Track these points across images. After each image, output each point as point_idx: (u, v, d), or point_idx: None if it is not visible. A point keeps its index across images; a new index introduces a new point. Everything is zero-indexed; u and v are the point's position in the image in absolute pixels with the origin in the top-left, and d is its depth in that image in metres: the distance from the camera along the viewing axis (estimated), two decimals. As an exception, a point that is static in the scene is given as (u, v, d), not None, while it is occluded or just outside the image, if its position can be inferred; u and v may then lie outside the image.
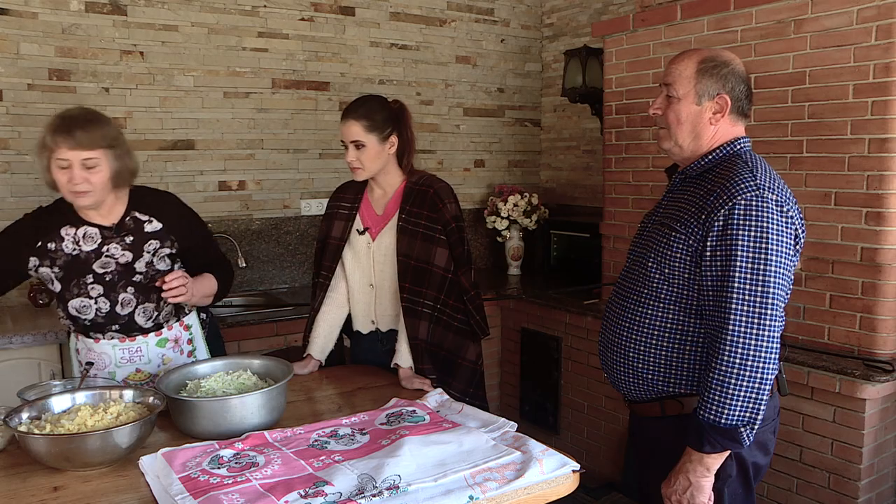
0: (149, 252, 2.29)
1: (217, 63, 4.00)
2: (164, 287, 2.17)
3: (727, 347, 1.66)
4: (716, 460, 1.73)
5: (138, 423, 1.68)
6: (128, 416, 1.78)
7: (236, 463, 1.62)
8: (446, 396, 2.09)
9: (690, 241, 1.75)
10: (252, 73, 4.10)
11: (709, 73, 1.81)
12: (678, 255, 1.77)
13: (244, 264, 3.98)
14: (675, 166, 1.97)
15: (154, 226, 2.30)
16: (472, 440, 1.72)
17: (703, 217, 1.74)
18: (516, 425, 1.86)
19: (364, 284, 2.53)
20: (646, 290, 1.84)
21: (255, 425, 1.85)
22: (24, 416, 1.77)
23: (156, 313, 2.31)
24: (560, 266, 4.47)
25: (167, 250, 2.32)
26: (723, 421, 1.66)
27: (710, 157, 1.84)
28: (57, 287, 2.22)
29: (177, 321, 2.38)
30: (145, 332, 2.30)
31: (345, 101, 4.34)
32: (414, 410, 1.95)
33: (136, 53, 3.80)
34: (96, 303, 2.23)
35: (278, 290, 4.20)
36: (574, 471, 1.66)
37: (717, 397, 1.66)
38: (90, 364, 2.18)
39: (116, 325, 2.26)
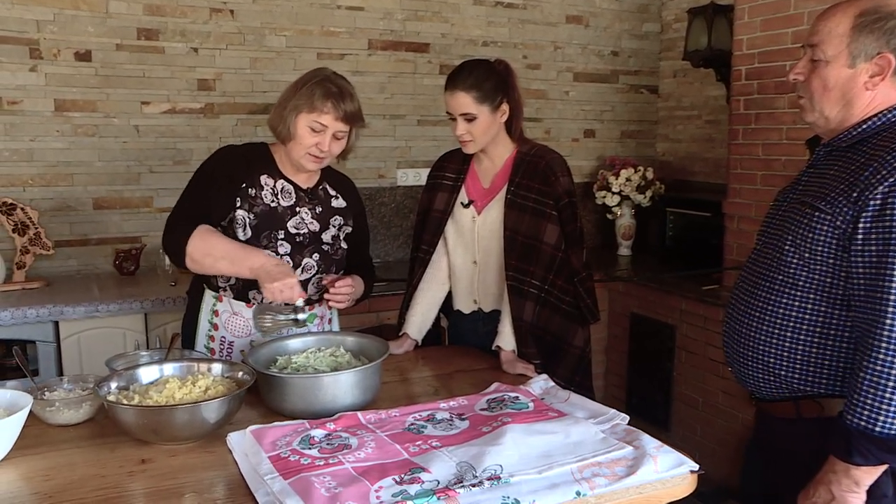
0: (334, 226, 2.38)
1: (310, 22, 4.06)
2: (331, 290, 2.28)
3: (883, 344, 1.54)
4: (867, 474, 1.61)
5: (227, 398, 1.73)
6: (216, 390, 1.83)
7: (328, 444, 1.65)
8: (552, 383, 2.08)
9: (838, 223, 1.64)
10: (347, 33, 4.14)
11: (868, 29, 1.66)
12: (822, 238, 1.67)
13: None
14: (818, 137, 1.87)
15: (340, 202, 2.41)
16: (579, 431, 1.70)
17: (855, 195, 1.62)
18: (628, 418, 1.83)
19: (467, 261, 2.53)
20: (780, 277, 1.75)
21: (348, 405, 1.87)
22: (113, 385, 1.85)
23: (324, 286, 2.37)
24: (676, 247, 4.37)
25: (348, 229, 2.42)
26: (877, 429, 1.55)
27: (863, 126, 1.71)
28: (246, 234, 2.25)
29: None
30: (303, 303, 2.35)
31: (445, 65, 4.34)
32: (517, 397, 1.94)
33: (225, 12, 3.89)
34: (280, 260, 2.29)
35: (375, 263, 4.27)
36: (692, 471, 1.62)
37: (869, 401, 1.56)
38: (177, 335, 2.26)
39: None
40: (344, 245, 2.41)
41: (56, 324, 3.13)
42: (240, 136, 3.94)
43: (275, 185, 2.30)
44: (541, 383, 2.07)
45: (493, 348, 2.42)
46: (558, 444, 1.64)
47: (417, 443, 1.66)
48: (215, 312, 2.37)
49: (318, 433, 1.71)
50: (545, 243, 2.37)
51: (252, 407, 1.95)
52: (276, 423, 1.78)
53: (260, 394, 1.95)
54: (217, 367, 1.95)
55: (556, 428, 1.71)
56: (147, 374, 1.92)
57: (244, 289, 2.31)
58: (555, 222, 2.37)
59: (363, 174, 4.29)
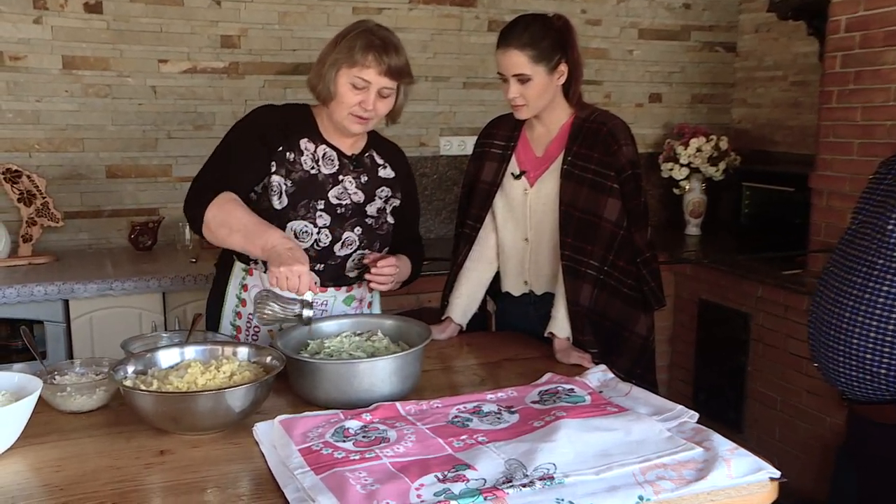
0: (380, 198, 2.40)
1: (346, -29, 4.06)
2: (373, 270, 2.29)
3: None
4: None
5: (254, 384, 1.75)
6: (242, 376, 1.85)
7: (364, 437, 1.67)
8: (611, 375, 2.08)
9: None
10: (386, -16, 4.14)
11: None
12: None
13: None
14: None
15: (388, 172, 2.43)
16: (642, 429, 1.70)
17: None
18: (697, 415, 1.82)
19: (517, 238, 2.54)
20: (881, 261, 1.72)
21: (386, 395, 1.89)
22: (130, 369, 1.87)
23: (366, 265, 2.40)
24: (752, 226, 4.33)
25: (396, 202, 2.44)
26: None
27: None
28: (282, 203, 2.27)
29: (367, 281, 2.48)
30: (341, 284, 2.39)
31: (494, 20, 4.33)
32: (572, 389, 1.95)
33: (254, -40, 3.91)
34: (319, 232, 2.31)
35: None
36: (772, 479, 1.60)
37: None
38: (199, 315, 2.29)
39: (322, 266, 2.33)
40: (390, 220, 2.43)
41: (66, 303, 3.19)
42: (267, 99, 3.96)
43: (315, 151, 2.32)
44: (598, 375, 2.07)
45: (546, 335, 2.42)
46: (618, 443, 1.64)
47: (462, 437, 1.68)
48: (244, 287, 2.39)
49: (353, 425, 1.72)
50: (605, 219, 2.36)
51: (281, 395, 1.97)
52: (307, 413, 1.80)
53: (290, 381, 1.97)
54: (243, 351, 1.97)
55: (616, 424, 1.70)
56: (167, 357, 1.95)
57: None
58: (616, 196, 2.36)
59: (402, 142, 4.25)
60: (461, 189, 2.70)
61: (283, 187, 2.27)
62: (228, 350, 1.97)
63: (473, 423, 1.77)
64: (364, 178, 2.37)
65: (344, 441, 1.64)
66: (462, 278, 2.60)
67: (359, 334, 2.13)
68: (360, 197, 2.35)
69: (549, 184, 2.44)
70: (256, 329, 2.38)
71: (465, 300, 2.59)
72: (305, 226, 2.28)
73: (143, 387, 1.78)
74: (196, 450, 1.69)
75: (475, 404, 1.88)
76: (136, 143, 3.85)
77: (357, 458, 1.56)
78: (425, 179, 4.36)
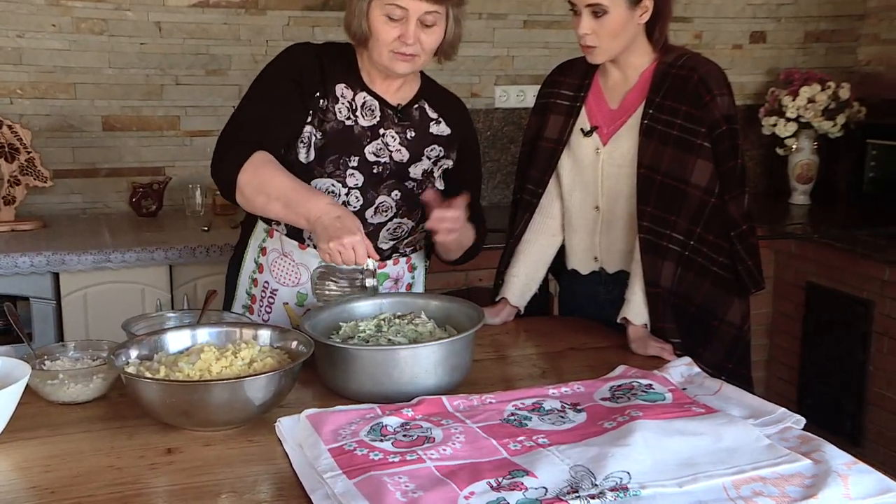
0: (429, 158, 2.43)
1: None
2: (437, 214, 2.23)
3: None
4: None
5: (277, 373, 1.76)
6: (264, 363, 1.87)
7: (405, 436, 1.68)
8: (697, 369, 2.08)
9: None
10: None
11: None
12: None
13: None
14: None
15: (442, 128, 2.45)
16: (735, 434, 1.69)
17: None
18: (803, 420, 1.82)
19: (587, 206, 2.54)
20: None
21: (430, 387, 1.91)
22: (133, 354, 1.91)
23: (406, 237, 2.43)
24: (878, 195, 4.27)
25: (448, 163, 2.46)
26: None
27: None
28: (309, 157, 2.32)
29: (405, 257, 2.51)
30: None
31: (563, -58, 4.30)
32: (650, 385, 1.95)
33: None
34: (349, 194, 2.34)
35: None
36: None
37: None
38: (213, 292, 2.32)
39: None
40: (440, 185, 2.45)
41: (56, 276, 3.26)
42: (291, 39, 3.98)
43: (354, 99, 2.34)
44: (682, 369, 2.07)
45: (619, 321, 2.43)
46: (706, 450, 1.64)
47: (519, 438, 1.69)
48: (262, 250, 2.44)
49: (392, 421, 1.74)
50: (693, 185, 2.35)
51: (308, 386, 2.00)
52: (338, 408, 1.81)
53: (318, 370, 1.99)
54: (265, 334, 1.99)
55: (703, 428, 1.70)
56: (176, 340, 1.98)
57: None
58: (707, 157, 2.35)
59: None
60: (520, 148, 2.70)
61: (313, 139, 2.30)
62: (248, 333, 2.00)
63: (533, 422, 1.78)
64: (411, 134, 2.39)
65: (381, 440, 1.66)
66: (520, 253, 2.62)
67: (399, 316, 2.13)
68: (403, 155, 2.37)
69: (625, 142, 2.43)
70: (272, 299, 2.42)
71: (524, 279, 2.61)
72: (332, 185, 2.31)
73: (148, 374, 1.80)
74: (209, 448, 1.72)
75: (535, 400, 1.89)
76: (137, 89, 3.89)
77: (397, 460, 1.57)
78: (478, 137, 4.36)
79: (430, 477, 1.52)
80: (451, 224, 2.24)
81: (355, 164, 2.32)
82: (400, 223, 2.39)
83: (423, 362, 1.91)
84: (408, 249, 2.50)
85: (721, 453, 1.63)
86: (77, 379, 1.90)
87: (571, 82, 2.56)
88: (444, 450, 1.62)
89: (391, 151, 2.36)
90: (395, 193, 2.37)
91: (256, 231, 2.45)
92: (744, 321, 2.48)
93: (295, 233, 2.37)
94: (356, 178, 2.33)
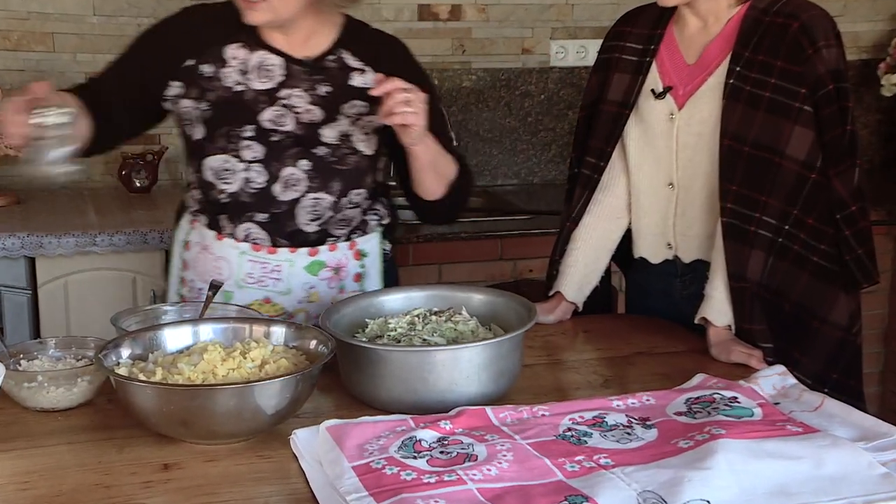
0: (348, 117, 2.42)
1: None
2: (378, 89, 2.19)
3: None
4: None
5: (293, 377, 1.78)
6: (277, 365, 1.88)
7: (442, 452, 1.68)
8: (793, 380, 2.06)
9: None
10: None
11: None
12: None
13: (454, 143, 4.09)
14: None
15: (366, 79, 2.43)
16: (841, 459, 1.67)
17: None
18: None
19: (658, 183, 2.52)
20: None
21: (472, 396, 1.91)
22: (124, 353, 1.92)
23: (330, 214, 2.43)
24: None
25: (376, 122, 2.42)
26: None
27: None
28: (198, 133, 2.37)
29: (346, 241, 2.51)
30: (298, 243, 2.45)
31: None
32: (735, 398, 1.93)
33: None
34: (247, 169, 2.37)
35: (506, 188, 4.31)
36: None
37: None
38: (218, 282, 2.33)
39: (265, 216, 2.40)
40: (365, 149, 2.43)
41: (31, 262, 3.29)
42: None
43: (248, 60, 2.36)
44: (774, 379, 2.05)
45: (697, 321, 2.42)
46: (804, 477, 1.62)
47: (577, 458, 1.68)
48: (186, 245, 2.51)
49: (427, 435, 1.74)
50: (789, 157, 2.33)
51: (328, 393, 2.02)
52: (364, 419, 1.81)
53: (341, 374, 2.01)
54: (279, 332, 2.01)
55: (801, 450, 1.69)
56: (175, 338, 1.99)
57: (215, 212, 2.42)
58: (807, 123, 2.32)
59: (498, 46, 4.31)
60: (579, 114, 2.69)
61: (197, 112, 2.35)
62: (259, 330, 2.02)
63: (593, 439, 1.77)
64: (325, 90, 2.38)
65: (415, 457, 1.66)
66: (578, 239, 2.60)
67: (436, 313, 2.14)
68: (314, 115, 2.38)
69: (705, 105, 2.41)
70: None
71: (582, 269, 2.59)
72: (226, 161, 2.35)
73: (142, 377, 1.82)
74: (212, 465, 1.73)
75: (596, 414, 1.88)
76: (127, 42, 3.90)
77: (433, 480, 1.57)
78: (528, 101, 4.37)
79: (472, 501, 1.52)
80: (404, 99, 2.17)
81: (250, 134, 2.35)
82: (317, 199, 2.39)
83: (464, 366, 1.91)
84: (346, 232, 2.49)
85: (823, 482, 1.61)
86: (58, 382, 1.92)
87: (640, 33, 2.53)
88: (489, 470, 1.61)
89: (298, 114, 2.37)
90: (304, 163, 2.37)
91: (182, 223, 2.51)
92: (852, 322, 2.43)
93: (213, 223, 2.43)
94: (254, 151, 2.35)
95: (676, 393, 2.00)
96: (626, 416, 1.88)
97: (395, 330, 2.07)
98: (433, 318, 2.12)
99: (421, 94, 2.21)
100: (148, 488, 1.64)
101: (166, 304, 2.35)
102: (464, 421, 1.81)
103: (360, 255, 2.54)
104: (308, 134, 2.38)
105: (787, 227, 2.35)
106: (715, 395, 1.95)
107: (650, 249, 2.60)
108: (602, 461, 1.67)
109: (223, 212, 2.43)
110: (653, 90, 2.49)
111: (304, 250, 2.45)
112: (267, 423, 1.80)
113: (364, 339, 2.03)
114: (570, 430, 1.81)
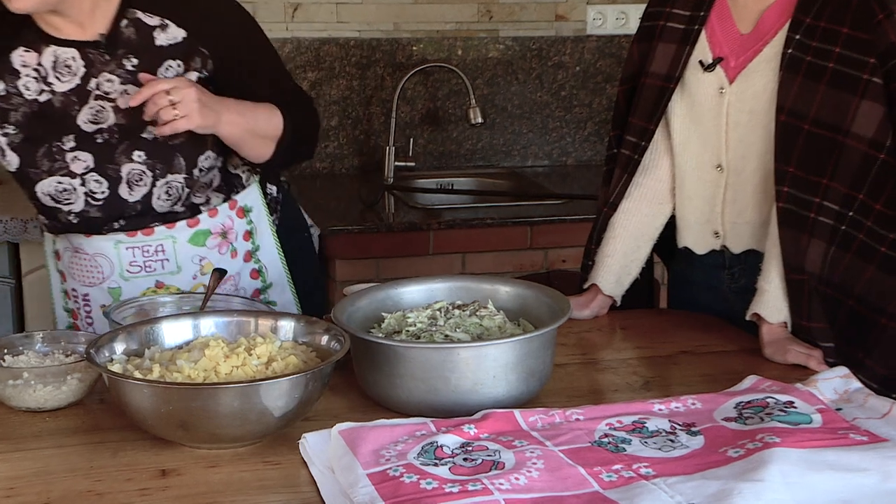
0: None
1: None
2: (134, 99, 2.20)
3: None
4: None
5: (303, 375, 1.78)
6: (286, 362, 1.89)
7: (466, 459, 1.68)
8: (857, 384, 2.04)
9: None
10: None
11: None
12: None
13: (479, 119, 4.10)
14: None
15: (171, 34, 2.38)
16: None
17: None
18: None
19: (706, 164, 2.52)
20: None
21: (499, 398, 1.92)
22: (118, 348, 1.94)
23: (186, 191, 2.42)
24: None
25: (199, 74, 2.39)
26: None
27: None
28: (14, 162, 2.35)
29: (225, 201, 2.52)
30: (171, 220, 2.45)
31: None
32: (791, 402, 1.92)
33: None
34: (84, 183, 2.35)
35: (537, 169, 4.31)
36: None
37: None
38: (221, 271, 2.36)
39: (123, 221, 2.41)
40: None
41: (14, 248, 3.32)
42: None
43: (41, 63, 2.32)
44: (836, 383, 2.04)
45: (749, 318, 2.41)
46: (870, 491, 1.61)
47: (615, 467, 1.68)
48: (57, 255, 2.53)
49: (449, 441, 1.74)
50: (854, 136, 2.31)
51: (341, 393, 2.03)
52: (381, 422, 1.83)
53: (355, 372, 2.02)
54: (288, 326, 2.02)
55: (866, 461, 1.67)
56: (173, 332, 2.01)
57: (70, 231, 2.43)
58: (877, 97, 2.30)
59: (528, 13, 4.30)
60: (618, 88, 2.70)
61: (5, 140, 2.33)
62: (266, 324, 2.03)
63: (633, 446, 1.77)
64: (132, 63, 2.35)
65: (436, 465, 1.66)
66: (616, 226, 2.59)
67: (460, 306, 2.15)
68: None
69: (760, 78, 2.41)
70: (87, 307, 2.49)
71: (621, 260, 2.59)
72: (58, 182, 2.34)
73: (137, 375, 1.82)
74: (214, 471, 1.74)
75: (636, 418, 1.88)
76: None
77: (456, 490, 1.57)
78: (561, 73, 4.36)
79: (500, 513, 1.54)
80: (167, 102, 2.16)
81: (73, 144, 2.33)
82: (168, 184, 2.38)
83: (491, 365, 1.91)
84: (215, 197, 2.50)
85: (891, 497, 1.61)
86: (46, 380, 1.93)
87: (686, 1, 2.52)
88: (517, 479, 1.61)
89: (113, 101, 2.33)
90: (139, 154, 2.35)
91: (46, 237, 2.53)
92: (924, 320, 2.42)
93: (69, 225, 2.42)
94: (83, 161, 2.34)
95: (725, 396, 1.99)
96: (670, 421, 1.88)
97: (415, 325, 2.07)
98: (456, 312, 2.12)
99: (189, 90, 2.19)
100: (144, 496, 1.65)
101: (164, 295, 2.36)
102: (490, 425, 1.81)
103: (244, 211, 2.55)
104: (131, 121, 2.33)
105: (850, 214, 2.33)
106: (769, 400, 1.94)
107: (695, 238, 2.60)
108: (642, 470, 1.67)
109: (79, 230, 2.42)
110: (701, 62, 2.48)
111: (182, 223, 2.45)
112: (274, 425, 1.81)
113: (381, 335, 2.04)
114: (606, 436, 1.81)
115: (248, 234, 2.57)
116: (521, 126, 4.35)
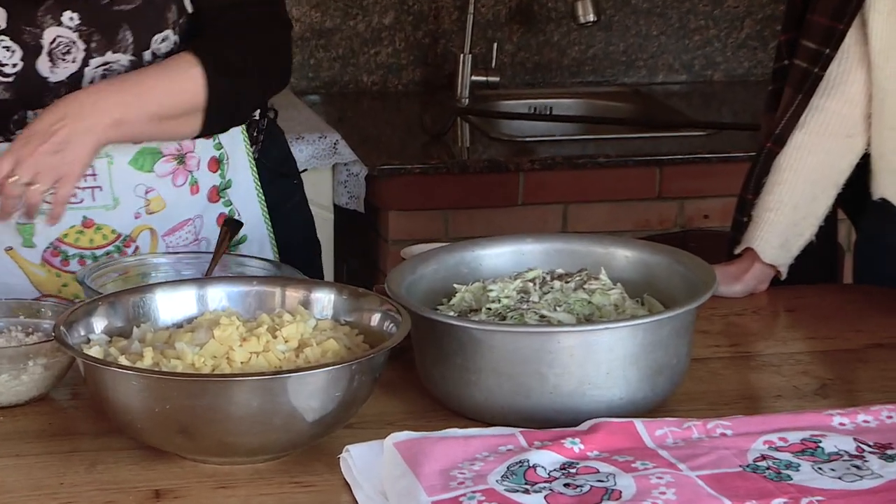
0: None
1: None
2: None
3: None
4: None
5: (345, 367, 1.79)
6: (322, 349, 1.90)
7: (568, 485, 1.69)
8: None
9: None
10: None
11: None
12: None
13: (591, 16, 4.11)
14: None
15: None
16: None
17: None
18: None
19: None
20: None
21: (614, 403, 1.93)
22: (98, 326, 1.96)
23: None
24: None
25: None
26: None
27: None
28: None
29: None
30: None
31: None
32: None
33: None
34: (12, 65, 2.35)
35: (671, 88, 4.33)
36: None
37: None
38: (233, 222, 2.42)
39: (37, 112, 2.35)
40: None
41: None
42: None
43: None
44: None
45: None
46: None
47: (776, 501, 1.68)
48: None
49: (545, 459, 1.76)
50: None
51: (397, 392, 2.07)
52: (450, 432, 1.85)
53: (416, 365, 2.05)
54: (325, 299, 2.03)
55: None
56: (171, 304, 2.04)
57: None
58: None
59: None
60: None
61: None
62: (295, 295, 2.05)
63: (802, 473, 1.77)
64: None
65: (527, 491, 1.68)
66: (785, 169, 2.59)
67: (561, 276, 2.16)
68: None
69: None
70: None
71: (790, 215, 2.58)
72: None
73: (123, 361, 1.84)
74: (225, 493, 1.77)
75: (807, 436, 1.88)
76: None
77: None
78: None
79: (613, 559, 1.58)
80: (4, 190, 2.20)
81: None
82: (106, 64, 2.38)
83: (603, 358, 1.92)
84: None
85: None
86: (1, 366, 1.95)
87: None
88: (640, 512, 1.66)
89: None
90: (70, 17, 2.34)
91: None
92: None
93: None
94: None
95: (936, 408, 1.99)
96: (855, 440, 1.87)
97: (499, 301, 2.08)
98: (556, 284, 2.12)
99: (35, 148, 2.18)
100: (132, 525, 1.69)
101: (158, 255, 2.38)
102: (602, 440, 1.82)
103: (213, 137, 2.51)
104: None
105: None
106: None
107: (896, 189, 2.60)
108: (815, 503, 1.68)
109: None
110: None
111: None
112: (306, 433, 1.82)
113: (452, 314, 2.05)
114: (764, 458, 1.80)
115: (216, 163, 2.54)
116: (649, 27, 4.35)
